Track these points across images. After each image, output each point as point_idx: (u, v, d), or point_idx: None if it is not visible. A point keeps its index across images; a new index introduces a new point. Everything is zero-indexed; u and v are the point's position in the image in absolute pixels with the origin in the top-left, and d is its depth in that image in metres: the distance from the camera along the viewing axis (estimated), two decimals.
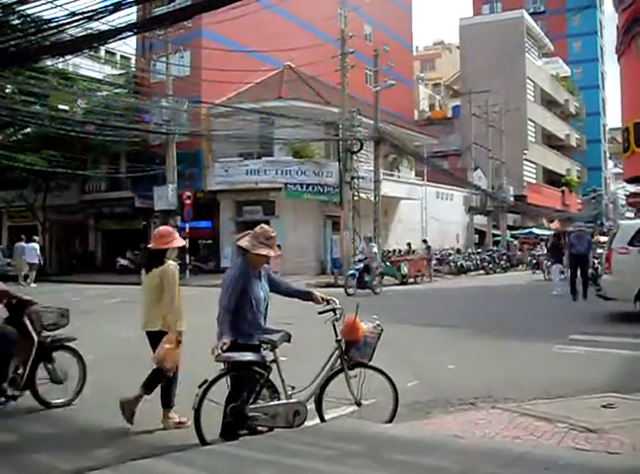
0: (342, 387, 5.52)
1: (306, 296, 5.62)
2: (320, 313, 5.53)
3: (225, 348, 4.94)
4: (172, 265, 5.91)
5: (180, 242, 6.09)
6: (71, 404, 6.60)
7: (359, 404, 5.52)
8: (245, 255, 5.28)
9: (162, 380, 5.83)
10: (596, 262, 22.95)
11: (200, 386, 5.03)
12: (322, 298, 5.51)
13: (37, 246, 24.75)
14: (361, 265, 20.11)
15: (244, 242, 5.26)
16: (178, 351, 5.78)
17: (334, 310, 5.46)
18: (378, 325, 5.58)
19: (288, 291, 5.68)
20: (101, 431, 5.71)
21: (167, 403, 5.85)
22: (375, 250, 22.01)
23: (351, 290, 19.17)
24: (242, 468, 4.27)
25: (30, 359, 6.24)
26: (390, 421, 5.53)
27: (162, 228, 6.41)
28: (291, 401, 5.25)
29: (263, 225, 5.49)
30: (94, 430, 5.75)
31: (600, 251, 28.77)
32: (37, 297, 14.08)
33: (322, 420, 5.53)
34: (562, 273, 20.41)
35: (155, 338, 5.77)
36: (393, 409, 5.54)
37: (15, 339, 6.13)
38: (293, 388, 5.30)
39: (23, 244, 24.65)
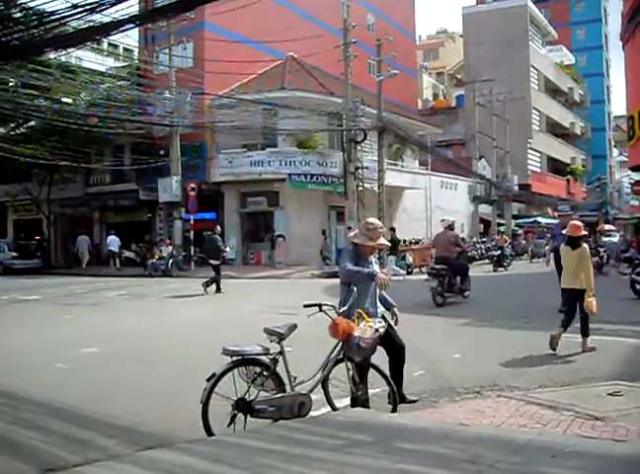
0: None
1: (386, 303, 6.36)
2: (305, 306, 5.49)
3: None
4: (586, 246, 8.83)
5: (583, 232, 8.84)
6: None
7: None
8: (356, 244, 5.83)
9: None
10: (601, 250, 22.83)
11: (208, 380, 5.01)
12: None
13: (117, 238, 29.98)
14: None
15: (350, 233, 6.13)
16: (594, 301, 8.39)
17: (319, 306, 5.44)
18: (382, 327, 5.56)
19: None
20: (107, 422, 5.73)
21: (585, 332, 8.44)
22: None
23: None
24: (249, 458, 4.25)
25: None
26: (393, 411, 5.55)
27: (576, 222, 9.08)
28: (297, 392, 5.26)
29: (368, 219, 6.06)
30: (100, 421, 5.77)
31: (605, 239, 28.77)
32: (42, 290, 14.06)
33: (333, 408, 5.64)
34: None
35: (577, 293, 8.51)
36: (393, 401, 5.57)
37: None
38: (295, 379, 5.32)
39: (85, 237, 32.03)
